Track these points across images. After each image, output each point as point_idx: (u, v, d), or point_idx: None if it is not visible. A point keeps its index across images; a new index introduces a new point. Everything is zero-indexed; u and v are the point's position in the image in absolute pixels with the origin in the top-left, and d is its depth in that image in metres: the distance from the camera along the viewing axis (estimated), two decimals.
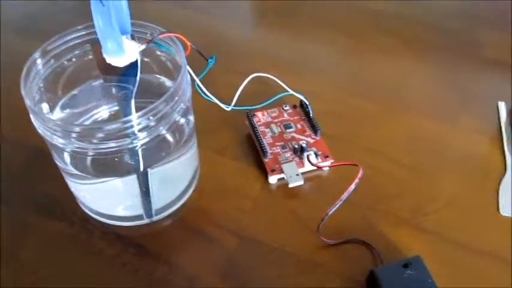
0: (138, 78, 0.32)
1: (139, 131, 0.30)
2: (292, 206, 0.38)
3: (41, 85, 0.34)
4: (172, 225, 0.37)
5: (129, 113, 0.32)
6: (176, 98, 0.31)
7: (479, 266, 0.35)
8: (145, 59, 0.36)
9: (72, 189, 0.36)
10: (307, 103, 0.41)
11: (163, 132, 0.31)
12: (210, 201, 0.38)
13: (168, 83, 0.37)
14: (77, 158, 0.33)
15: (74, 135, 0.29)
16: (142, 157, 0.32)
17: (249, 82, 0.41)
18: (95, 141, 0.29)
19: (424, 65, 0.50)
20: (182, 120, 0.33)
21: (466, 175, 0.40)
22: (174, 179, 0.37)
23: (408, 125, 0.44)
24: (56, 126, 0.29)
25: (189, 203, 0.38)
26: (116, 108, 0.39)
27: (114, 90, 0.33)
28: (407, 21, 0.56)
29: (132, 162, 0.32)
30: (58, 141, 0.30)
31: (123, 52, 0.31)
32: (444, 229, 0.37)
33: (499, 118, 0.44)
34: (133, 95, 0.32)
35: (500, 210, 0.37)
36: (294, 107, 0.43)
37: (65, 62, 0.35)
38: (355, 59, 0.51)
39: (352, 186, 0.34)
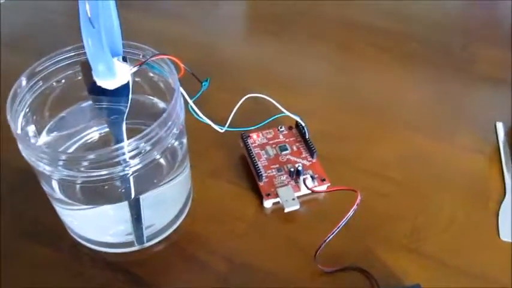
0: (129, 100, 0.32)
1: (131, 157, 0.29)
2: (287, 231, 0.37)
3: (28, 108, 0.32)
4: (164, 251, 0.36)
5: (120, 136, 0.31)
6: (170, 122, 0.30)
7: None
8: (137, 79, 0.35)
9: (60, 215, 0.35)
10: (303, 125, 0.40)
11: (157, 157, 0.30)
12: (203, 226, 0.37)
13: (160, 104, 0.36)
14: (65, 185, 0.32)
15: (60, 162, 0.28)
16: (133, 184, 0.31)
17: (243, 102, 0.40)
18: (83, 169, 0.28)
19: (419, 80, 0.50)
20: (175, 144, 0.32)
21: (464, 196, 0.39)
22: (166, 203, 0.36)
23: (404, 143, 0.43)
24: (42, 153, 0.28)
25: (182, 227, 0.37)
26: (107, 129, 0.38)
27: (104, 112, 0.32)
28: (401, 36, 0.55)
29: (123, 190, 0.31)
30: (45, 168, 0.29)
31: (115, 75, 0.30)
32: (443, 254, 0.36)
33: (497, 138, 0.44)
34: (125, 118, 0.32)
35: (501, 236, 0.37)
36: (290, 128, 0.42)
37: (54, 84, 0.34)
38: (348, 74, 0.51)
39: (351, 213, 0.33)
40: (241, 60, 0.53)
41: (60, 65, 0.33)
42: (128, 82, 0.31)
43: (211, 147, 0.42)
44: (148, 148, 0.29)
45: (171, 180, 0.34)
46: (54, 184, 0.32)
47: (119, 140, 0.31)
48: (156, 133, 0.29)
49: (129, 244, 0.35)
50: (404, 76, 0.51)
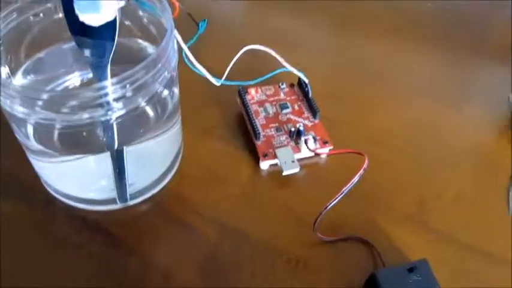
0: (115, 41, 0.28)
1: (115, 100, 0.25)
2: (285, 197, 0.34)
3: (2, 42, 0.29)
4: (149, 211, 0.33)
5: (103, 79, 0.28)
6: (159, 65, 0.26)
7: (487, 271, 0.31)
8: (126, 22, 0.31)
9: (35, 167, 0.31)
10: (307, 82, 0.37)
11: (143, 104, 0.27)
12: (192, 187, 0.34)
13: (150, 49, 0.32)
14: (41, 131, 0.28)
15: (39, 103, 0.24)
16: (117, 132, 0.28)
17: (242, 55, 0.36)
18: (65, 110, 0.25)
19: (431, 48, 0.46)
20: (165, 93, 0.29)
21: (473, 170, 0.36)
22: (153, 160, 0.32)
23: (410, 111, 0.40)
24: (17, 92, 0.25)
25: (169, 187, 0.34)
26: (90, 75, 0.34)
27: (87, 54, 0.28)
28: (414, 2, 0.51)
29: (105, 138, 0.28)
30: (19, 110, 0.25)
31: (99, 9, 0.26)
32: (450, 228, 0.33)
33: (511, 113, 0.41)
34: (110, 61, 0.28)
35: (511, 214, 0.34)
36: (291, 85, 0.39)
37: (31, 18, 0.30)
38: (354, 34, 0.47)
39: (356, 178, 0.30)
40: (240, 14, 0.49)
41: None
42: (115, 19, 0.27)
43: (205, 102, 0.39)
44: (131, 93, 0.26)
45: (159, 135, 0.30)
46: (30, 130, 0.28)
47: (101, 79, 0.28)
48: (142, 76, 0.25)
49: (111, 201, 0.31)
50: (415, 41, 0.47)
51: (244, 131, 0.37)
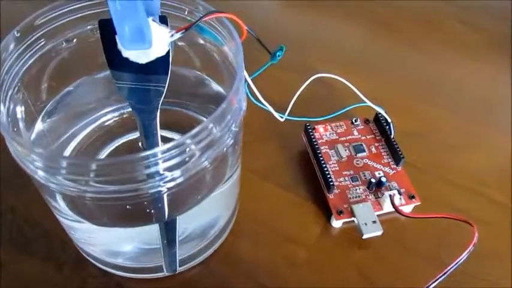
0: (167, 80, 0.22)
1: (168, 169, 0.19)
2: (362, 264, 0.27)
3: (20, 78, 0.22)
4: (199, 279, 0.27)
5: (150, 131, 0.22)
6: (229, 116, 0.20)
7: None
8: (180, 44, 0.25)
9: (63, 226, 0.26)
10: (389, 121, 0.31)
11: (207, 166, 0.21)
12: (249, 247, 0.28)
13: (209, 82, 0.26)
14: (71, 198, 0.23)
15: (62, 171, 0.19)
16: (168, 202, 0.22)
17: (308, 84, 0.30)
18: (95, 183, 0.19)
19: None
20: (230, 148, 0.23)
21: None
22: (205, 222, 0.26)
23: (503, 152, 0.33)
24: (36, 156, 0.19)
25: (223, 249, 0.28)
26: (128, 109, 0.28)
27: (129, 96, 0.23)
28: (497, 12, 0.44)
29: (153, 210, 0.22)
30: (40, 175, 0.19)
31: (149, 43, 0.20)
32: None
33: None
34: (159, 106, 0.22)
35: None
36: (366, 121, 0.32)
37: (64, 43, 0.24)
38: (431, 57, 0.39)
39: (465, 255, 0.24)
40: (299, 31, 0.42)
41: (70, 18, 0.23)
42: (168, 54, 0.21)
43: (263, 139, 0.32)
44: (197, 154, 0.20)
45: (216, 193, 0.24)
46: (58, 196, 0.23)
47: (148, 137, 0.22)
48: (209, 133, 0.19)
49: (156, 269, 0.26)
50: (500, 63, 0.40)
51: (311, 177, 0.30)
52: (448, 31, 0.42)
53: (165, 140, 0.28)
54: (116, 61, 0.21)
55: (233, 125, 0.21)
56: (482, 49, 0.40)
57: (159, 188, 0.19)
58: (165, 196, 0.21)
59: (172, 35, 0.21)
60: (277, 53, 0.24)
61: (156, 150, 0.18)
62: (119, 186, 0.19)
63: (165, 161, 0.19)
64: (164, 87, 0.22)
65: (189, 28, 0.21)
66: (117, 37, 0.20)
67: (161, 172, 0.19)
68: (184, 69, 0.26)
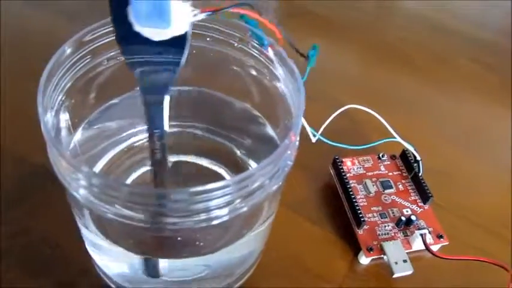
0: (180, 65, 0.20)
1: (219, 207, 0.19)
2: None
3: (67, 90, 0.22)
4: None
5: (158, 123, 0.21)
6: (288, 151, 0.19)
7: None
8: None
9: (88, 248, 0.25)
10: (419, 159, 0.31)
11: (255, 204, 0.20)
12: (276, 282, 0.27)
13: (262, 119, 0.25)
14: (101, 218, 0.22)
15: (94, 189, 0.18)
16: (203, 240, 0.21)
17: (338, 115, 0.30)
18: (119, 206, 0.18)
19: None
20: (278, 184, 0.22)
21: None
22: (238, 259, 0.25)
23: None
24: (72, 167, 0.18)
25: (248, 284, 0.27)
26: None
27: (136, 72, 0.20)
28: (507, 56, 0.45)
29: (189, 245, 0.21)
30: (82, 195, 0.19)
31: (168, 23, 0.18)
32: None
33: None
34: (168, 94, 0.20)
35: None
36: (393, 157, 0.32)
37: (106, 61, 0.23)
38: (450, 96, 0.40)
39: None
40: (329, 66, 0.42)
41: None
42: (185, 34, 0.19)
43: (290, 171, 0.32)
44: (244, 196, 0.19)
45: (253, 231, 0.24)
46: (88, 216, 0.22)
47: (154, 120, 0.20)
48: (268, 170, 0.19)
49: None
50: None
51: (338, 211, 0.30)
52: (461, 70, 0.43)
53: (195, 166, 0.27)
54: (126, 32, 0.19)
55: (289, 160, 0.20)
56: (501, 90, 0.41)
57: (203, 224, 0.19)
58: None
59: (195, 15, 0.19)
60: (310, 53, 0.23)
61: (212, 186, 0.18)
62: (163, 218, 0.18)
63: (217, 198, 0.18)
64: (179, 64, 0.20)
65: (216, 12, 0.19)
66: (129, 8, 0.18)
67: (210, 208, 0.19)
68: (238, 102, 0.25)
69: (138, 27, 0.19)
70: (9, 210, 0.28)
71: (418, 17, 0.48)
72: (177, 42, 0.19)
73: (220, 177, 0.27)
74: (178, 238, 0.22)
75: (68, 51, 0.21)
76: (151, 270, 0.24)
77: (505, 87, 0.41)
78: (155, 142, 0.21)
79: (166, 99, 0.20)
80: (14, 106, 0.33)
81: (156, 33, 0.19)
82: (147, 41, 0.19)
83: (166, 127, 0.21)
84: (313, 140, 0.29)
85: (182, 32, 0.19)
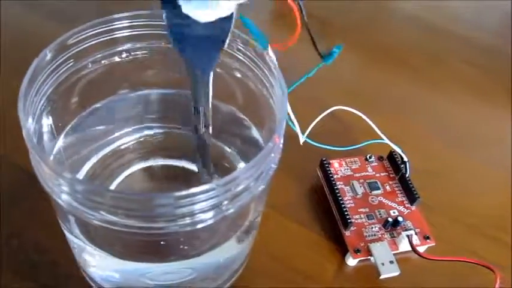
0: (226, 44, 0.21)
1: (203, 211, 0.19)
2: None
3: (49, 95, 0.22)
4: None
5: (204, 99, 0.22)
6: (272, 154, 0.19)
7: None
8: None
9: (75, 255, 0.24)
10: (406, 160, 0.31)
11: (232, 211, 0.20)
12: (263, 283, 0.27)
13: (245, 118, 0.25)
14: (85, 223, 0.22)
15: (78, 195, 0.18)
16: (190, 243, 0.21)
17: (324, 116, 0.30)
18: (104, 212, 0.18)
19: None
20: (263, 186, 0.22)
21: None
22: (226, 261, 0.25)
23: None
24: (53, 173, 0.18)
25: (237, 285, 0.27)
26: (147, 132, 0.27)
27: (187, 58, 0.21)
28: (505, 56, 0.45)
29: (175, 248, 0.21)
30: (65, 201, 0.18)
31: (216, 3, 0.19)
32: None
33: None
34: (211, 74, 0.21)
35: None
36: (380, 158, 0.32)
37: (90, 65, 0.23)
38: (443, 96, 0.40)
39: None
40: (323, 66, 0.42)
41: (100, 40, 0.23)
42: (231, 15, 0.20)
43: (277, 172, 0.32)
44: (229, 199, 0.19)
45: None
46: (73, 221, 0.22)
47: (199, 97, 0.22)
48: (254, 172, 0.19)
49: None
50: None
51: (326, 212, 0.30)
52: (454, 72, 0.43)
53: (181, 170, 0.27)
54: (175, 15, 0.20)
55: (273, 163, 0.20)
56: (493, 91, 0.41)
57: (187, 228, 0.19)
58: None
59: None
60: (333, 54, 0.23)
61: (195, 190, 0.18)
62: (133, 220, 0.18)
63: (201, 201, 0.18)
64: (223, 44, 0.20)
65: None
66: None
67: (194, 212, 0.18)
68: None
69: (186, 9, 0.19)
70: (1, 214, 0.28)
71: (413, 18, 0.48)
72: (223, 24, 0.20)
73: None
74: (164, 242, 0.21)
75: (50, 55, 0.21)
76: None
77: (498, 89, 0.41)
78: (200, 118, 0.22)
79: (211, 76, 0.21)
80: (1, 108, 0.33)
81: (203, 15, 0.20)
82: (194, 23, 0.20)
83: (209, 103, 0.22)
84: (301, 140, 0.29)
85: (228, 14, 0.20)
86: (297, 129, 0.27)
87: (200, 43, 0.21)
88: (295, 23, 0.21)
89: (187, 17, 0.19)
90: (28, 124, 0.19)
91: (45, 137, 0.22)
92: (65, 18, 0.40)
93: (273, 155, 0.20)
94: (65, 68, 0.22)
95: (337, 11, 0.47)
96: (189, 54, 0.21)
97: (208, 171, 0.25)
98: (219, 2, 0.19)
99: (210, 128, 0.23)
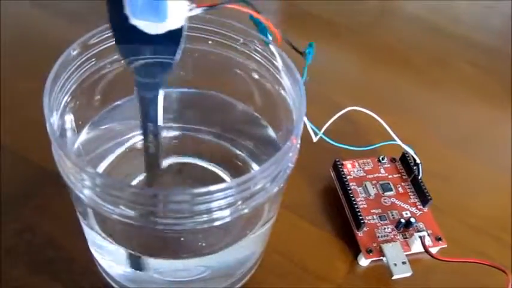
0: (177, 56, 0.20)
1: (220, 209, 0.19)
2: None
3: (73, 91, 0.22)
4: None
5: (152, 117, 0.21)
6: (290, 153, 0.20)
7: None
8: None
9: (93, 250, 0.25)
10: (419, 162, 0.31)
11: (262, 205, 0.20)
12: (276, 282, 0.28)
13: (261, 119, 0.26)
14: (109, 222, 0.22)
15: (97, 189, 0.18)
16: (204, 241, 0.21)
17: (338, 117, 0.30)
18: (121, 206, 0.19)
19: None
20: (279, 186, 0.22)
21: None
22: (239, 260, 0.26)
23: None
24: (76, 167, 0.18)
25: (249, 284, 0.27)
26: (164, 132, 0.28)
27: (131, 67, 0.21)
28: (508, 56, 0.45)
29: (190, 245, 0.22)
30: (87, 195, 0.19)
31: (164, 16, 0.19)
32: None
33: None
34: (161, 92, 0.21)
35: None
36: (393, 160, 0.32)
37: (109, 65, 0.24)
38: (448, 99, 0.40)
39: None
40: (330, 68, 0.42)
41: None
42: (181, 28, 0.20)
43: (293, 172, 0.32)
44: (246, 197, 0.19)
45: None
46: (91, 215, 0.22)
47: (148, 115, 0.21)
48: (271, 172, 0.19)
49: None
50: None
51: (338, 212, 0.30)
52: (457, 72, 0.43)
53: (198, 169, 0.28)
54: (121, 26, 0.19)
55: (290, 162, 0.21)
56: (498, 93, 0.41)
57: (204, 226, 0.19)
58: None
59: (191, 10, 0.19)
60: (308, 51, 0.23)
61: (216, 187, 0.18)
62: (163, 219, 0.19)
63: (220, 199, 0.19)
64: (173, 60, 0.20)
65: (211, 7, 0.20)
66: (125, 3, 0.19)
67: (213, 210, 0.19)
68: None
69: (133, 20, 0.19)
70: (15, 209, 0.29)
71: (418, 20, 0.48)
72: (172, 37, 0.20)
73: (221, 180, 0.27)
74: (181, 239, 0.22)
75: (74, 53, 0.21)
76: (134, 264, 0.24)
77: (504, 90, 0.41)
78: (149, 136, 0.22)
79: (161, 94, 0.21)
80: (13, 106, 0.34)
81: (151, 27, 0.19)
82: (142, 36, 0.19)
83: (160, 122, 0.21)
84: (315, 139, 0.29)
85: (178, 26, 0.19)
86: (309, 126, 0.27)
87: (149, 60, 0.20)
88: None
89: (134, 29, 0.19)
90: (52, 119, 0.20)
91: (68, 133, 0.22)
92: (74, 18, 0.41)
93: (290, 154, 0.20)
94: (88, 66, 0.22)
95: (341, 12, 0.47)
96: (135, 70, 0.21)
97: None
98: (168, 12, 0.18)
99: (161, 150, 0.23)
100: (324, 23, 0.46)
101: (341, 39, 0.45)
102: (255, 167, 0.27)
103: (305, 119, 0.26)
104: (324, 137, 0.29)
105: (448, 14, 0.49)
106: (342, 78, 0.41)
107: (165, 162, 0.28)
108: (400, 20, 0.49)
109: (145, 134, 0.22)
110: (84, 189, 0.19)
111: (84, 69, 0.22)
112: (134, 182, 0.27)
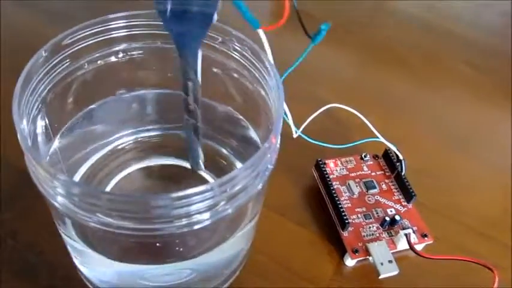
0: (215, 13, 0.20)
1: (200, 212, 0.18)
2: None
3: (44, 96, 0.21)
4: None
5: (192, 74, 0.21)
6: (269, 154, 0.19)
7: None
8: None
9: (73, 257, 0.24)
10: (401, 158, 0.31)
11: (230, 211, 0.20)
12: (261, 284, 0.27)
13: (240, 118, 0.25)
14: (83, 226, 0.21)
15: (74, 198, 0.18)
16: (187, 244, 0.21)
17: (319, 114, 0.30)
18: (101, 214, 0.18)
19: None
20: (260, 186, 0.22)
21: None
22: (226, 260, 0.25)
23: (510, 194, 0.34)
24: (47, 174, 0.18)
25: (234, 285, 0.27)
26: (144, 134, 0.27)
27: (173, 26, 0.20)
28: (504, 56, 0.44)
29: (178, 248, 0.21)
30: (61, 203, 0.18)
31: None
32: None
33: None
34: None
35: None
36: (375, 157, 0.32)
37: (86, 65, 0.23)
38: (439, 97, 0.40)
39: None
40: (313, 64, 0.42)
41: (96, 40, 0.22)
42: None
43: (273, 172, 0.32)
44: (226, 200, 0.19)
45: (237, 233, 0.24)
46: (69, 224, 0.21)
47: (188, 75, 0.21)
48: (249, 173, 0.19)
49: None
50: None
51: (322, 212, 0.30)
52: (452, 72, 0.43)
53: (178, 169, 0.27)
54: None
55: (269, 164, 0.20)
56: (490, 91, 0.41)
57: (184, 229, 0.19)
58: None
59: None
60: (323, 27, 0.22)
61: (190, 191, 0.18)
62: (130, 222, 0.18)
63: (197, 203, 0.18)
64: (212, 16, 0.20)
65: None
66: None
67: (191, 213, 0.18)
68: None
69: None
70: None
71: (411, 18, 0.48)
72: None
73: (204, 180, 0.27)
74: (161, 244, 0.21)
75: (45, 55, 0.20)
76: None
77: (496, 88, 0.42)
78: (189, 93, 0.22)
79: (200, 51, 0.21)
80: None
81: None
82: None
83: (199, 78, 0.21)
84: (294, 135, 0.28)
85: None
86: (291, 122, 0.27)
87: (188, 18, 0.20)
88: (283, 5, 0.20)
89: None
90: (22, 125, 0.19)
91: (40, 138, 0.21)
92: (59, 18, 0.40)
93: (269, 155, 0.20)
94: (61, 68, 0.21)
95: (336, 11, 0.47)
96: (176, 30, 0.20)
97: (197, 160, 0.25)
98: None
99: (199, 113, 0.23)
100: (317, 21, 0.46)
101: (336, 38, 0.44)
102: (238, 166, 0.27)
103: (288, 117, 0.26)
104: (302, 135, 0.28)
105: (442, 12, 0.49)
106: (333, 77, 0.40)
107: (146, 164, 0.28)
108: (394, 18, 0.48)
109: (185, 91, 0.22)
110: (58, 197, 0.19)
111: (57, 71, 0.21)
112: (116, 182, 0.27)
